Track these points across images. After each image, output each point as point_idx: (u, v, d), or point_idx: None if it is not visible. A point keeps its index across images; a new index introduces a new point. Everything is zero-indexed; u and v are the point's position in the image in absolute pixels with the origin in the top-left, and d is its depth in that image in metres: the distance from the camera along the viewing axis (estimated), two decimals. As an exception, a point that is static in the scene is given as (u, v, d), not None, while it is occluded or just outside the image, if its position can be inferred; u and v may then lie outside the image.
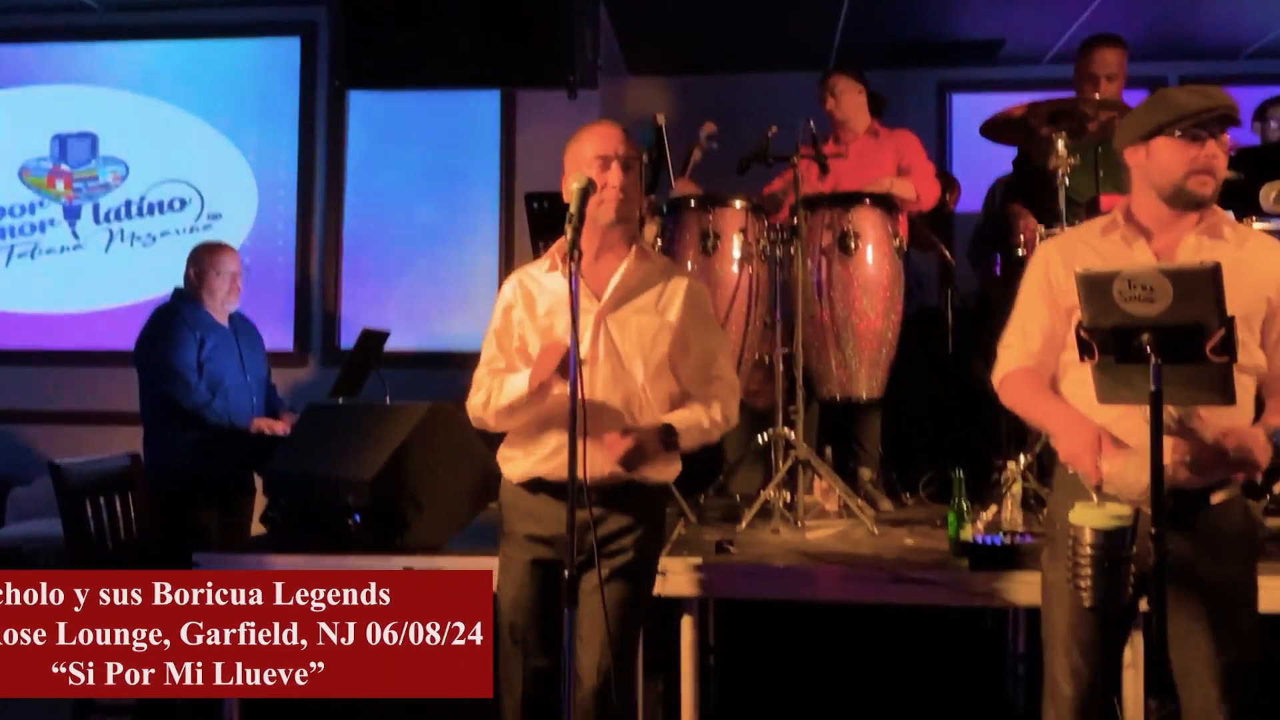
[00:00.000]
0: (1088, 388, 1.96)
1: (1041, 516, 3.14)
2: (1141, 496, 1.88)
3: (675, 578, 2.61)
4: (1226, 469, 1.96)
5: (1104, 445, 1.93)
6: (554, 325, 2.23)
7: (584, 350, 2.15)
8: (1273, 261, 2.03)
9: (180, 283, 3.89)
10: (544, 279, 2.29)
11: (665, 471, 2.29)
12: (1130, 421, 1.94)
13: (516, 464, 2.27)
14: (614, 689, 2.13)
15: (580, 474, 2.01)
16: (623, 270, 2.23)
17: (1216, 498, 2.01)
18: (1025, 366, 2.16)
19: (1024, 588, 2.53)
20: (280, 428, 3.77)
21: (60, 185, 5.49)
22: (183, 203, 5.45)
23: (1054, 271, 2.13)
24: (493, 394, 2.25)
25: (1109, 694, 2.15)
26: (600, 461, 2.13)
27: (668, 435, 2.15)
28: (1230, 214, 2.14)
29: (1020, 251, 3.52)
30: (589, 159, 2.19)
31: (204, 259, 3.83)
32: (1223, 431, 1.92)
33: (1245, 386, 1.99)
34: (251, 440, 3.70)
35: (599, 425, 2.13)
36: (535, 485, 2.23)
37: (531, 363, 2.20)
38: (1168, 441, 1.87)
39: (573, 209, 2.03)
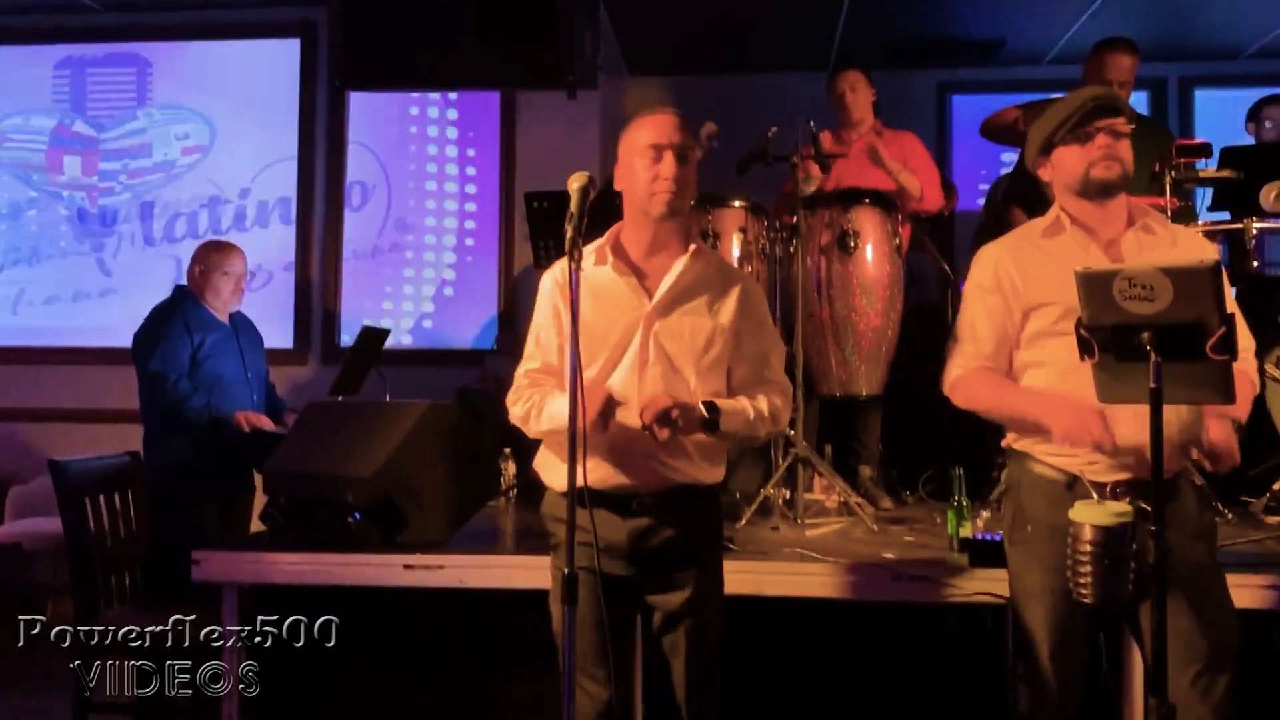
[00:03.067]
0: (1049, 386, 2.06)
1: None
2: (1112, 471, 1.99)
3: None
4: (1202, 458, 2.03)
5: (1102, 413, 1.95)
6: (601, 324, 2.09)
7: (634, 352, 2.10)
8: (1202, 255, 2.07)
9: (182, 279, 3.89)
10: (591, 272, 2.12)
11: (713, 471, 2.19)
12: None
13: (560, 473, 2.13)
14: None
15: (634, 481, 2.07)
16: (677, 271, 2.12)
17: (1180, 484, 2.06)
18: (980, 367, 2.19)
19: (1024, 586, 2.53)
20: (265, 423, 3.72)
21: (61, 187, 5.50)
22: (183, 203, 5.45)
23: (1004, 271, 2.16)
24: (533, 413, 2.15)
25: (1084, 693, 2.15)
26: (650, 468, 2.09)
27: (710, 410, 2.04)
28: (1156, 211, 2.22)
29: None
30: (642, 147, 2.09)
31: (210, 258, 3.81)
32: (1207, 423, 2.00)
33: None
34: (250, 438, 3.68)
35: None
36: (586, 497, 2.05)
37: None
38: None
39: (572, 207, 1.94)
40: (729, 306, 2.15)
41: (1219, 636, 2.01)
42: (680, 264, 2.13)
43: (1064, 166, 2.13)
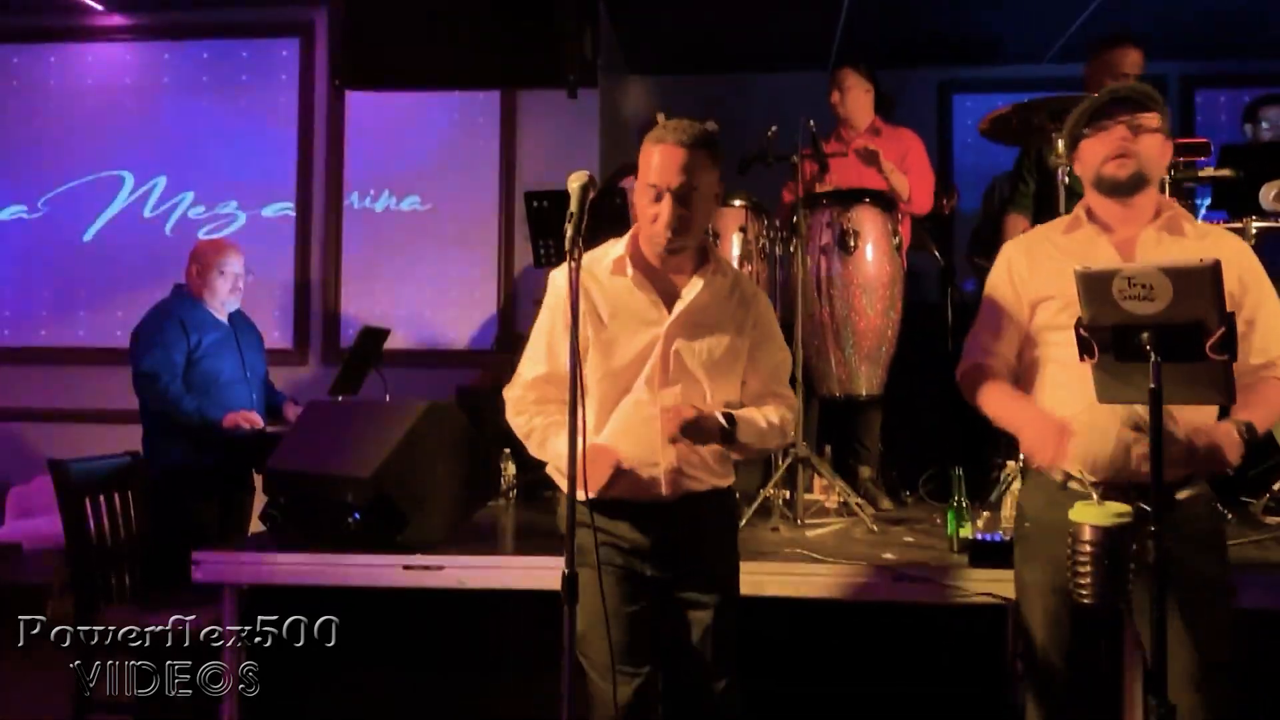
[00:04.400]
0: (1062, 386, 2.04)
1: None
2: (1101, 472, 1.98)
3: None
4: (1195, 465, 1.98)
5: (1068, 433, 1.95)
6: (621, 336, 2.09)
7: (653, 365, 2.09)
8: (1232, 254, 2.02)
9: (181, 278, 3.88)
10: (607, 280, 2.12)
11: (724, 476, 2.23)
12: (1094, 413, 1.96)
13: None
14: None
15: (657, 492, 2.09)
16: (697, 289, 2.12)
17: (1182, 495, 2.02)
18: (982, 362, 2.20)
19: (1023, 586, 2.53)
20: (256, 420, 3.71)
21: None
22: (183, 203, 5.45)
23: (1016, 267, 2.18)
24: (534, 439, 2.16)
25: (1092, 692, 2.14)
26: (672, 479, 2.11)
27: (729, 421, 2.07)
28: (1183, 209, 2.16)
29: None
30: (643, 182, 2.06)
31: (207, 257, 3.81)
32: (1193, 429, 1.94)
33: None
34: (249, 438, 3.68)
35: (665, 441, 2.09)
36: (607, 505, 2.08)
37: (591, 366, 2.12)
38: (1133, 435, 1.95)
39: (572, 207, 1.90)
40: (745, 323, 2.17)
41: (1207, 653, 1.98)
42: (699, 283, 2.13)
43: (1085, 160, 2.10)
